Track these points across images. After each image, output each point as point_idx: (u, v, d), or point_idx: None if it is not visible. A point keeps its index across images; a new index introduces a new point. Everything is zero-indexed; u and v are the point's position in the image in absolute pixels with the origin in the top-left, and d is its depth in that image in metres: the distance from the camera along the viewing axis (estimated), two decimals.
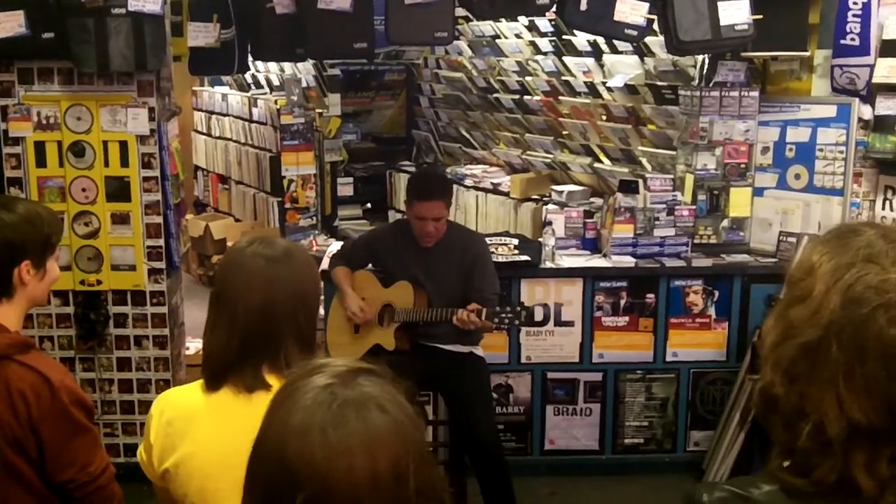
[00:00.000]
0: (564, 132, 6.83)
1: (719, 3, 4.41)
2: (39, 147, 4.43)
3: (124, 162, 4.46)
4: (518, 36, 6.98)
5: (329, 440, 1.10)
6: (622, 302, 4.85)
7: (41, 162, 4.44)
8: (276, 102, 7.38)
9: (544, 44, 6.68)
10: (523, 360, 4.88)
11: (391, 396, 1.17)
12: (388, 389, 1.18)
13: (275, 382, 1.89)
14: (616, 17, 4.36)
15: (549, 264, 4.83)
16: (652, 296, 4.85)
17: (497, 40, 7.20)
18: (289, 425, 1.13)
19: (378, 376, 1.20)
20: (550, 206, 5.60)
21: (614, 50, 6.05)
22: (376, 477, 1.10)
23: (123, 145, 4.44)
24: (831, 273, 1.18)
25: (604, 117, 6.37)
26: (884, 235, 1.21)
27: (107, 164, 4.46)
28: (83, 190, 4.47)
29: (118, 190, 4.48)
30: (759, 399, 1.25)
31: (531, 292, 4.75)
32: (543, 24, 6.48)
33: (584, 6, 4.33)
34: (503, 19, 6.68)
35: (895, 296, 1.14)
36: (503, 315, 3.95)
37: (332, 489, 1.09)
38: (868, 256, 1.18)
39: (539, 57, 6.81)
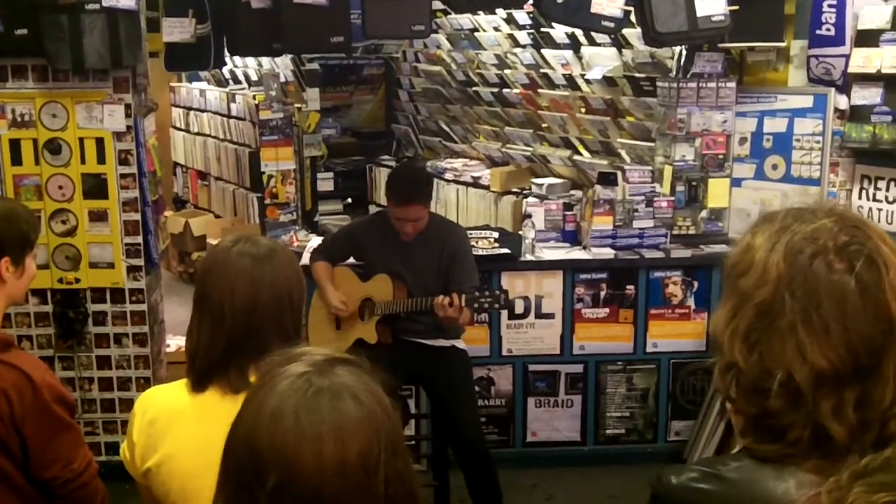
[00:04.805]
0: (544, 125, 6.84)
1: None
2: (15, 145, 4.39)
3: (101, 159, 4.43)
4: (496, 29, 6.97)
5: (300, 425, 1.11)
6: (602, 294, 4.86)
7: (17, 160, 4.40)
8: (254, 98, 7.34)
9: (523, 36, 6.68)
10: (504, 352, 4.89)
11: (366, 387, 1.17)
12: (365, 380, 1.18)
13: None
14: (593, 9, 4.37)
15: (529, 257, 4.84)
16: (632, 287, 4.87)
17: (475, 33, 7.19)
18: (262, 410, 1.14)
19: (355, 366, 1.21)
20: (530, 199, 5.60)
21: (592, 42, 6.06)
22: (345, 464, 1.10)
23: (100, 142, 4.41)
24: (767, 239, 1.26)
25: (583, 109, 6.38)
26: (800, 208, 1.30)
27: (83, 162, 4.42)
28: (60, 188, 4.44)
29: (95, 187, 4.45)
30: (721, 376, 1.29)
31: (511, 285, 4.75)
32: (522, 16, 6.48)
33: None
34: (481, 12, 6.68)
35: (828, 241, 1.22)
36: (482, 300, 3.95)
37: (299, 474, 1.09)
38: (795, 217, 1.27)
39: (518, 50, 6.81)
